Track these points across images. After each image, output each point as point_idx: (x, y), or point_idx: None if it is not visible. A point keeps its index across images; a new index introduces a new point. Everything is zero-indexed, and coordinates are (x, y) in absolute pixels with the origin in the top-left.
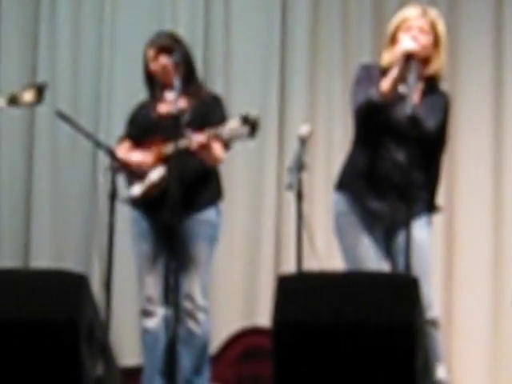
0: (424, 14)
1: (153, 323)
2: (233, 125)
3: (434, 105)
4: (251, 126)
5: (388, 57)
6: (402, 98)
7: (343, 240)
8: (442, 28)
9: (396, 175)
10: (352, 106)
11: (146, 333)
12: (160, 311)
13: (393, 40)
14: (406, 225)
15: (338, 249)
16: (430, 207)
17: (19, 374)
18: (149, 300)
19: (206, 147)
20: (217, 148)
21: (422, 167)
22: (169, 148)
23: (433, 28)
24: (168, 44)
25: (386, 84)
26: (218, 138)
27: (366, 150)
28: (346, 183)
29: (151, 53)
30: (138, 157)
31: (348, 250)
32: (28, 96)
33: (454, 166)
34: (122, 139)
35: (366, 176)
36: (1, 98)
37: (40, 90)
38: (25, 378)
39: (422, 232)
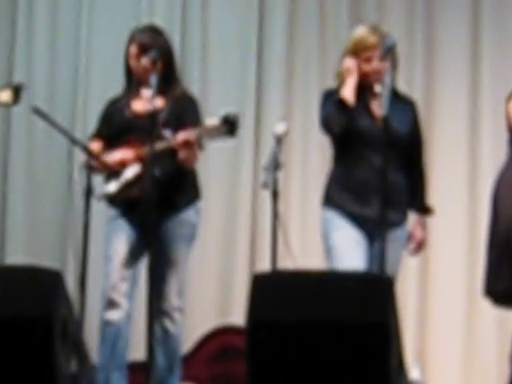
0: (374, 31)
1: (116, 315)
2: (214, 124)
3: (401, 109)
4: (231, 124)
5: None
6: (377, 97)
7: (331, 239)
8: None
9: (375, 180)
10: (321, 122)
11: (107, 325)
12: (125, 304)
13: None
14: (382, 232)
15: (314, 248)
16: (419, 210)
17: None
18: (114, 288)
19: (190, 145)
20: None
21: (401, 171)
22: (147, 149)
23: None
24: (150, 42)
25: (347, 91)
26: (200, 136)
27: (345, 163)
28: (331, 197)
29: (133, 49)
30: (118, 155)
31: (338, 249)
32: (4, 96)
33: (430, 164)
34: (92, 137)
35: (347, 186)
36: None
37: (17, 91)
38: None
39: (399, 250)
